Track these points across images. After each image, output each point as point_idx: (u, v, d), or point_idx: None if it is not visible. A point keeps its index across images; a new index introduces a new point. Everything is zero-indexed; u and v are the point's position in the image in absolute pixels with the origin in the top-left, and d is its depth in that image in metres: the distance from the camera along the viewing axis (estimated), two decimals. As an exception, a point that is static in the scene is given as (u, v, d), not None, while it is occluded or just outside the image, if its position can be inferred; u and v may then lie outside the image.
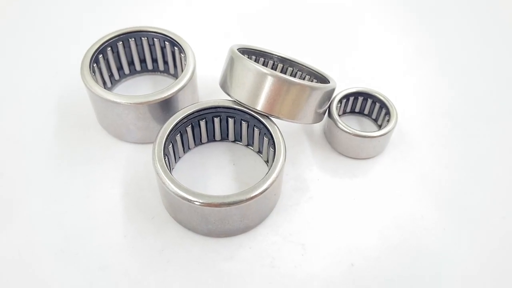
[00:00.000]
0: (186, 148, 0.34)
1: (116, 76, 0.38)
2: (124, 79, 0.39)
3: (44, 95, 0.39)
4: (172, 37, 0.36)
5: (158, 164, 0.29)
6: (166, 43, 0.37)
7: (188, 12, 0.47)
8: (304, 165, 0.35)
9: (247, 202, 0.27)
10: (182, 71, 0.35)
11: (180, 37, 0.36)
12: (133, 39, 0.37)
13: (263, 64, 0.38)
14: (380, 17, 0.48)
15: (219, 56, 0.38)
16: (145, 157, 0.34)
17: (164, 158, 0.29)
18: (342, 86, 0.36)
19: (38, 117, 0.37)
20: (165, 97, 0.32)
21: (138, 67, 0.39)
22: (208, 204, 0.27)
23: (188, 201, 0.27)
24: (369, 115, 0.37)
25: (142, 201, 0.32)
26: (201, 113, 0.32)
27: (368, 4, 0.49)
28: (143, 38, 0.37)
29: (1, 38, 0.44)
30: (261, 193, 0.28)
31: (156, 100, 0.32)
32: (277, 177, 0.28)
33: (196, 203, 0.27)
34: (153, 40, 0.37)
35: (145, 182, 0.33)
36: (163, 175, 0.28)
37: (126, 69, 0.39)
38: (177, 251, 0.30)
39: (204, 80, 0.38)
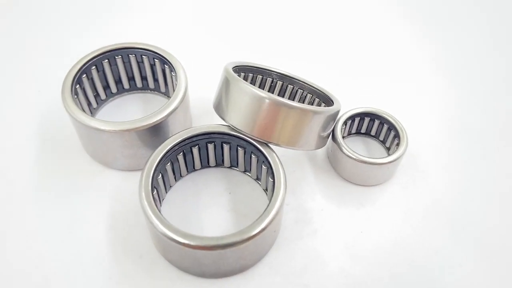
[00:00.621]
0: (178, 176, 0.31)
1: (103, 96, 0.35)
2: (111, 98, 0.36)
3: (24, 117, 0.36)
4: (162, 54, 0.33)
5: (145, 201, 0.26)
6: (156, 60, 0.34)
7: (179, 27, 0.44)
8: (306, 193, 0.32)
9: (244, 244, 0.24)
10: (174, 89, 0.32)
11: (171, 54, 0.33)
12: (120, 56, 0.34)
13: (261, 82, 0.35)
14: (390, 34, 0.45)
15: (213, 73, 0.35)
16: (133, 186, 0.31)
17: (153, 192, 0.27)
18: (347, 105, 0.33)
19: (17, 141, 0.34)
20: (154, 122, 0.30)
21: (126, 85, 0.36)
22: (200, 247, 0.24)
23: (178, 243, 0.24)
24: (376, 137, 0.34)
25: (129, 236, 0.30)
26: (193, 139, 0.29)
27: (376, 20, 0.46)
28: (130, 55, 0.34)
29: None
30: (259, 232, 0.25)
31: (144, 126, 0.30)
32: (276, 213, 0.26)
33: (187, 245, 0.24)
34: (141, 57, 0.34)
35: (133, 215, 0.30)
36: (151, 213, 0.25)
37: (114, 88, 0.36)
38: (168, 295, 0.27)
39: (197, 99, 0.36)
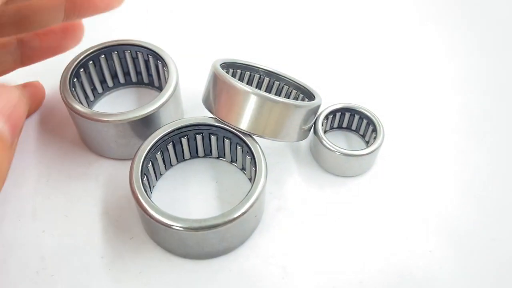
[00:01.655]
0: (168, 165, 0.33)
1: (99, 89, 0.37)
2: (108, 92, 0.38)
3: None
4: (155, 50, 0.35)
5: (135, 185, 0.28)
6: (150, 56, 0.36)
7: (171, 24, 0.46)
8: (289, 183, 0.34)
9: (226, 226, 0.26)
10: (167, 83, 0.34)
11: (163, 51, 0.35)
12: (116, 52, 0.36)
13: (249, 78, 0.37)
14: (372, 32, 0.47)
15: (204, 68, 0.36)
16: (126, 174, 0.33)
17: (142, 178, 0.29)
18: (330, 101, 0.35)
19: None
20: (146, 113, 0.32)
21: (122, 80, 0.38)
22: (185, 228, 0.26)
23: (165, 225, 0.26)
24: (356, 131, 0.36)
25: (121, 220, 0.32)
26: (182, 130, 0.31)
27: (357, 15, 0.48)
28: (126, 52, 0.36)
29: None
30: (240, 216, 0.27)
31: (137, 117, 0.31)
32: (257, 199, 0.27)
33: (173, 227, 0.26)
34: (136, 53, 0.36)
35: (125, 200, 0.32)
36: (140, 197, 0.27)
37: (110, 82, 0.38)
38: (155, 274, 0.29)
39: (189, 93, 0.37)
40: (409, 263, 0.30)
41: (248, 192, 0.28)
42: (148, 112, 0.32)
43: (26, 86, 0.36)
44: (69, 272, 0.29)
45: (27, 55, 0.35)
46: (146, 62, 0.37)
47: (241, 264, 0.30)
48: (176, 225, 0.26)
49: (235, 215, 0.27)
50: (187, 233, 0.26)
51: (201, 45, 0.44)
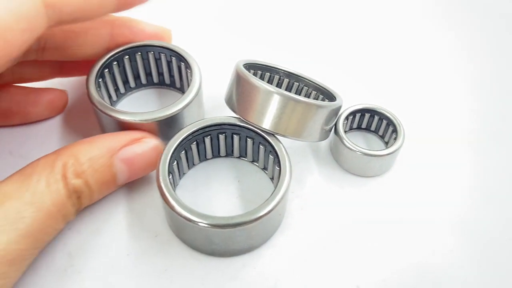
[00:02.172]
0: (190, 164, 0.33)
1: (122, 90, 0.38)
2: (129, 92, 0.39)
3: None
4: (178, 51, 0.36)
5: (162, 183, 0.28)
6: (173, 58, 0.36)
7: (194, 25, 0.47)
8: (310, 182, 0.34)
9: (252, 223, 0.27)
10: (189, 84, 0.34)
11: (187, 52, 0.36)
12: (140, 53, 0.36)
13: (269, 79, 0.37)
14: (391, 34, 0.47)
15: (225, 70, 0.37)
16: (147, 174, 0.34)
17: (169, 176, 0.29)
18: (349, 102, 0.35)
19: (45, 129, 0.37)
20: (171, 114, 0.32)
21: (144, 81, 0.39)
22: (212, 226, 0.27)
23: (193, 222, 0.27)
24: (375, 132, 0.36)
25: (145, 218, 0.32)
26: (206, 130, 0.32)
27: (376, 18, 0.49)
28: (149, 53, 0.37)
29: None
30: (266, 214, 0.27)
31: (162, 117, 0.32)
32: (282, 197, 0.28)
33: (200, 224, 0.27)
34: (159, 54, 0.37)
35: (149, 199, 0.33)
36: (167, 195, 0.28)
37: (132, 83, 0.38)
38: (180, 271, 0.30)
39: (210, 93, 0.38)
40: (430, 262, 0.30)
41: (274, 191, 0.28)
42: (173, 112, 0.32)
43: (48, 91, 0.37)
44: (96, 269, 0.30)
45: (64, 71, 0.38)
46: (169, 63, 0.37)
47: (265, 262, 0.30)
48: (204, 222, 0.27)
49: (262, 213, 0.27)
50: (215, 231, 0.27)
51: (220, 46, 0.45)
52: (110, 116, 0.32)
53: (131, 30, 0.35)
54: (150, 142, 0.31)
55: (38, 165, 0.27)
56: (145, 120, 0.32)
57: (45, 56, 0.33)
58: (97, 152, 0.29)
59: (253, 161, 0.34)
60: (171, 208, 0.27)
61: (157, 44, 0.36)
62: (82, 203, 0.29)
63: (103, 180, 0.29)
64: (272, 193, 0.28)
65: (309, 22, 0.48)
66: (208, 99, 0.38)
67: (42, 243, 0.27)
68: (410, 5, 0.50)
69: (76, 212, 0.29)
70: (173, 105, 0.32)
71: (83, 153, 0.28)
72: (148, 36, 0.36)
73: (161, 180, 0.28)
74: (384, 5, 0.50)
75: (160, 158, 0.30)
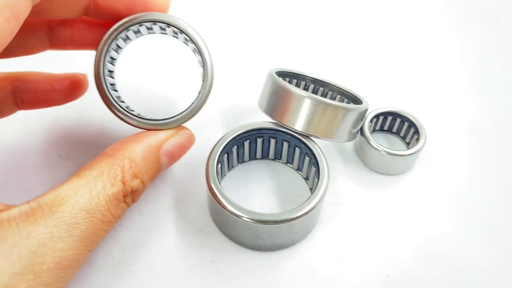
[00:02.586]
0: (230, 167, 0.36)
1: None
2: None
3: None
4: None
5: (212, 184, 0.31)
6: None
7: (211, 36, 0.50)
8: (338, 181, 0.37)
9: (297, 220, 0.30)
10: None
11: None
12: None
13: (296, 85, 0.40)
14: (411, 35, 0.50)
15: (251, 78, 0.40)
16: (189, 174, 0.37)
17: (218, 177, 0.32)
18: (371, 106, 0.38)
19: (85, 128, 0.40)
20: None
21: None
22: (261, 221, 0.30)
23: (242, 218, 0.30)
24: (397, 133, 0.39)
25: (189, 214, 0.35)
26: (245, 134, 0.35)
27: (398, 23, 0.52)
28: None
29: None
30: (309, 210, 0.30)
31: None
32: (323, 195, 0.31)
33: (249, 221, 0.30)
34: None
35: (191, 197, 0.36)
36: (218, 194, 0.31)
37: None
38: (225, 262, 0.33)
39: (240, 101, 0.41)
40: (453, 252, 0.34)
41: (315, 189, 0.31)
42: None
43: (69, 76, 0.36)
44: (147, 261, 0.33)
45: (55, 44, 0.35)
46: None
47: (302, 254, 0.33)
48: (253, 218, 0.30)
49: (306, 210, 0.30)
50: (263, 226, 0.30)
51: (240, 56, 0.47)
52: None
53: None
54: (185, 133, 0.32)
55: (95, 169, 0.28)
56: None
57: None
58: (149, 150, 0.30)
59: (287, 163, 0.37)
60: (223, 206, 0.30)
61: None
62: (135, 200, 0.30)
63: (153, 175, 0.31)
64: (314, 191, 0.31)
65: (331, 28, 0.51)
66: (239, 105, 0.41)
67: (96, 244, 0.28)
68: (428, 13, 0.53)
69: (127, 208, 0.30)
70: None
71: (137, 154, 0.29)
72: None
73: (211, 180, 0.31)
74: (401, 14, 0.53)
75: (208, 161, 0.32)
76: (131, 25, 0.30)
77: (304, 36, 0.50)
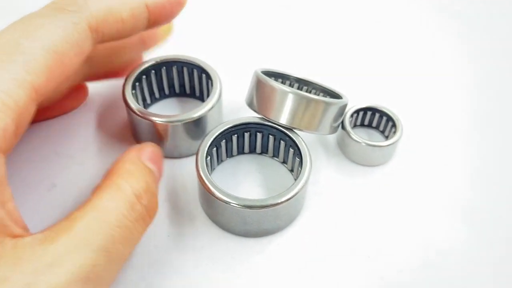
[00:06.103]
0: (219, 161, 0.38)
1: (148, 100, 0.43)
2: (155, 103, 0.44)
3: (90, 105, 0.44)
4: (202, 65, 0.40)
5: (202, 173, 0.33)
6: (194, 70, 0.41)
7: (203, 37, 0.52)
8: (321, 171, 0.39)
9: (282, 204, 0.32)
10: (208, 94, 0.39)
11: (207, 64, 0.40)
12: (164, 67, 0.41)
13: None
14: (387, 33, 0.53)
15: (239, 78, 0.43)
16: (178, 169, 0.39)
17: (208, 169, 0.34)
18: (352, 102, 0.41)
19: (83, 131, 0.42)
20: (198, 116, 0.37)
21: (167, 92, 0.44)
22: (247, 206, 0.32)
23: (230, 204, 0.32)
24: (376, 128, 0.42)
25: (181, 205, 0.37)
26: (233, 129, 0.37)
27: (375, 19, 0.55)
28: (173, 67, 0.41)
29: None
30: (294, 195, 0.32)
31: (190, 118, 0.37)
32: (306, 181, 0.33)
33: (236, 206, 0.32)
34: (182, 68, 0.41)
35: (182, 189, 0.38)
36: (207, 182, 0.33)
37: (157, 94, 0.43)
38: (214, 248, 0.35)
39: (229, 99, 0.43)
40: (432, 236, 0.36)
41: (299, 176, 0.33)
42: (200, 115, 0.37)
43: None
44: (142, 248, 0.34)
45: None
46: (191, 76, 0.42)
47: (292, 240, 0.35)
48: (241, 203, 0.32)
49: (290, 195, 0.32)
50: (249, 211, 0.32)
51: (233, 57, 0.50)
52: (143, 118, 0.37)
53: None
54: None
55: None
56: (173, 121, 0.37)
57: (93, 67, 0.38)
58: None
59: (273, 156, 0.39)
60: (212, 194, 0.32)
61: (182, 60, 0.41)
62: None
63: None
64: (298, 178, 0.33)
65: (313, 30, 0.53)
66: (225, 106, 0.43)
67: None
68: (409, 8, 0.56)
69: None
70: (198, 109, 0.37)
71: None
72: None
73: (200, 170, 0.33)
74: (383, 9, 0.56)
75: (198, 152, 0.34)
76: None
77: (289, 38, 0.52)
